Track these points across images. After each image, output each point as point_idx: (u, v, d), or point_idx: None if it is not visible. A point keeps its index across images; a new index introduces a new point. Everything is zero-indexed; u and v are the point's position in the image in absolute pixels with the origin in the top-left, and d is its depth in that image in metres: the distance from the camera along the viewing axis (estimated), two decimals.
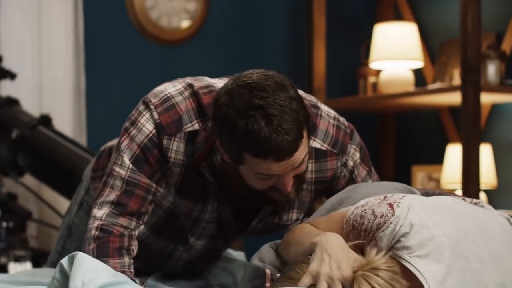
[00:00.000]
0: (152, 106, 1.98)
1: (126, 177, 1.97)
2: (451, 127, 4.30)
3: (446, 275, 1.63)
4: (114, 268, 1.87)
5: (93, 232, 1.94)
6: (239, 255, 2.59)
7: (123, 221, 1.96)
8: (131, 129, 2.00)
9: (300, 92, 1.93)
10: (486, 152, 3.82)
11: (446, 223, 1.67)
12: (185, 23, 4.29)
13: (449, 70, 4.08)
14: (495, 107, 4.06)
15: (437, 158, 4.26)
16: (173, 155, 1.99)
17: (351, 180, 2.13)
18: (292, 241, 1.80)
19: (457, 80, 3.95)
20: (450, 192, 2.05)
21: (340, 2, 4.68)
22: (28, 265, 3.35)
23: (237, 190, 1.98)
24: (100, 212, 1.96)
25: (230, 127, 1.80)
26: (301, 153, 1.84)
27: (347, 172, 2.12)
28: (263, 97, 1.78)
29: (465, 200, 1.86)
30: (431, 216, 1.66)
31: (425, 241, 1.63)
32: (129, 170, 1.97)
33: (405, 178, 4.43)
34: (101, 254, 1.91)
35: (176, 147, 1.98)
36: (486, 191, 3.89)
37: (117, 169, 1.98)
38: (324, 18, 4.37)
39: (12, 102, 3.49)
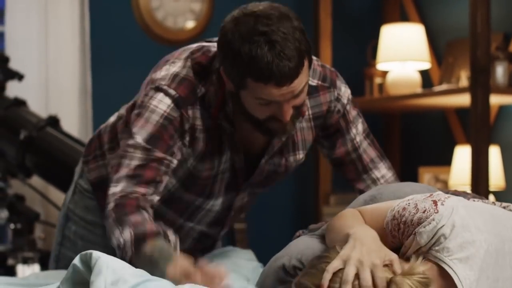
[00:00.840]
0: (165, 87, 2.02)
1: (140, 155, 1.99)
2: (458, 129, 4.28)
3: (479, 281, 1.62)
4: (135, 223, 1.88)
5: (111, 205, 1.94)
6: (248, 253, 2.56)
7: (140, 189, 1.97)
8: (142, 111, 2.02)
9: None
10: (494, 154, 3.81)
11: (487, 228, 1.66)
12: (190, 24, 4.28)
13: (456, 71, 4.06)
14: (502, 109, 4.05)
15: (444, 160, 4.24)
16: (198, 122, 2.04)
17: (343, 116, 2.22)
18: (334, 226, 1.81)
19: (464, 82, 3.93)
20: (465, 192, 2.03)
21: (346, 3, 4.66)
22: (36, 267, 3.32)
23: (244, 132, 2.06)
24: (117, 188, 1.97)
25: (234, 52, 1.89)
26: (301, 81, 1.92)
27: (341, 107, 2.21)
28: (267, 24, 1.88)
29: (495, 204, 1.85)
30: (473, 220, 1.65)
31: (465, 244, 1.62)
32: (143, 148, 1.99)
33: (411, 179, 4.37)
34: (120, 214, 1.91)
35: (199, 115, 2.04)
36: (494, 193, 3.88)
37: (131, 150, 2.00)
38: (330, 19, 4.35)
39: (19, 103, 3.46)
